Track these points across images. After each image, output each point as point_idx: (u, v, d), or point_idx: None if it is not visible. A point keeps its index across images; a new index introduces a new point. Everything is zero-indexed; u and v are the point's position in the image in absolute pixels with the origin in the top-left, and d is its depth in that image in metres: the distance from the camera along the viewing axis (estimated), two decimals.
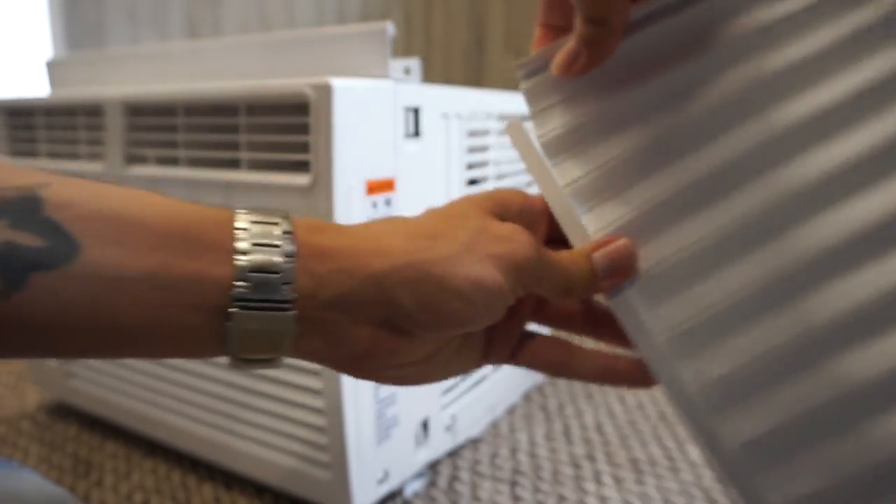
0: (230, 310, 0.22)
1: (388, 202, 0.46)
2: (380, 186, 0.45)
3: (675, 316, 0.26)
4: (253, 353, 0.23)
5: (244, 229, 0.22)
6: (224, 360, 0.24)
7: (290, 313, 0.22)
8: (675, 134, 0.28)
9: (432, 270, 0.24)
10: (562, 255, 0.27)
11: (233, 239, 0.22)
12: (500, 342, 0.29)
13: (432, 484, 0.56)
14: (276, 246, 0.22)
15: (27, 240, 0.19)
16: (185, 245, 0.21)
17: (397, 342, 0.25)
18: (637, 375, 0.28)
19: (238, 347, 0.22)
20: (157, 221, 0.21)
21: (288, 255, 0.22)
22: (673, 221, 0.27)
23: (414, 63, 0.48)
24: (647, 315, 0.27)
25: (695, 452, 0.61)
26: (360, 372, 0.26)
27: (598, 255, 0.27)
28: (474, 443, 0.63)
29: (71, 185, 0.21)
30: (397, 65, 0.46)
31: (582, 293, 0.28)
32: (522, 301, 0.29)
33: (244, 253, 0.22)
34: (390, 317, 0.24)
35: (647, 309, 0.27)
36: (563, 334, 0.32)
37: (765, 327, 0.25)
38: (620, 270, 0.27)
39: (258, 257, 0.22)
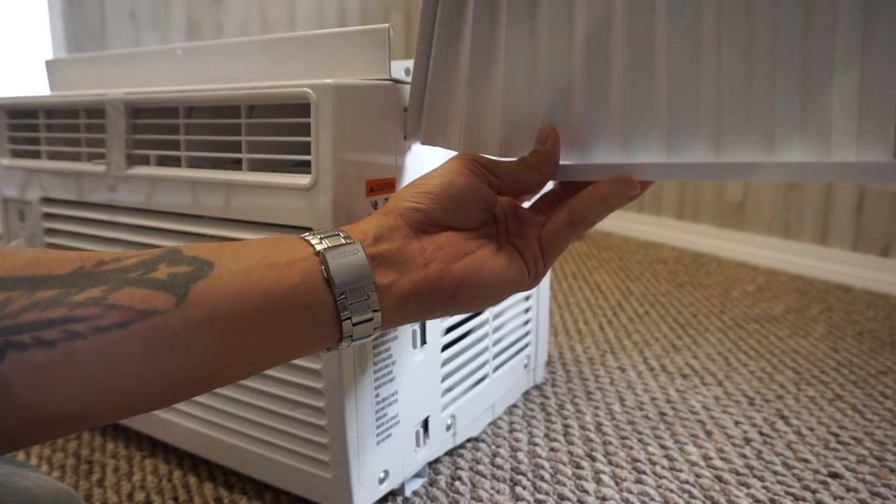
0: (318, 247, 0.33)
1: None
2: (380, 187, 0.45)
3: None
4: (348, 281, 0.32)
5: (308, 235, 0.34)
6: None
7: (357, 243, 0.34)
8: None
9: (419, 181, 0.38)
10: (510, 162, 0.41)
11: (304, 238, 0.34)
12: (523, 241, 0.40)
13: (432, 483, 0.56)
14: (336, 234, 0.34)
15: (181, 269, 0.29)
16: (276, 244, 0.33)
17: (437, 240, 0.36)
18: (620, 180, 0.38)
19: (337, 287, 0.32)
20: (252, 242, 0.33)
21: (341, 231, 0.35)
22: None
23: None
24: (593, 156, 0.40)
25: (695, 452, 0.61)
26: (440, 283, 0.35)
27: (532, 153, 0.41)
28: (474, 443, 0.63)
29: (192, 245, 0.32)
30: (397, 65, 0.46)
31: (537, 174, 0.40)
32: (513, 207, 0.42)
33: (316, 244, 0.33)
34: (417, 222, 0.36)
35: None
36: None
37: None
38: (551, 151, 0.40)
39: (325, 242, 0.34)
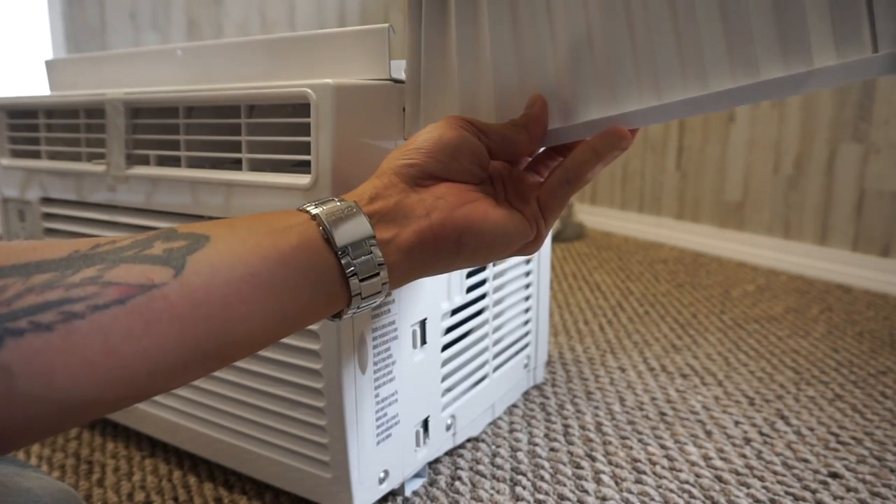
0: (313, 211, 0.33)
1: None
2: None
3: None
4: (348, 238, 0.32)
5: (303, 205, 0.34)
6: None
7: (353, 204, 0.34)
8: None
9: (408, 141, 0.38)
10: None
11: (299, 208, 0.34)
12: (521, 201, 0.40)
13: (432, 483, 0.56)
14: (331, 199, 0.34)
15: (177, 244, 0.29)
16: (271, 215, 0.33)
17: (435, 190, 0.36)
18: (611, 132, 0.38)
19: (338, 245, 0.32)
20: (247, 216, 0.33)
21: (335, 197, 0.35)
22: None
23: None
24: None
25: (695, 452, 0.61)
26: (444, 230, 0.35)
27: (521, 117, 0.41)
28: (474, 443, 0.63)
29: (187, 224, 0.31)
30: (397, 65, 0.46)
31: (525, 134, 0.40)
32: (508, 170, 0.41)
33: (310, 209, 0.33)
34: (412, 177, 0.36)
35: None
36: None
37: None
38: (539, 115, 0.40)
39: (320, 206, 0.33)
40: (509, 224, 0.38)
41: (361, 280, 0.33)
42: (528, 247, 0.40)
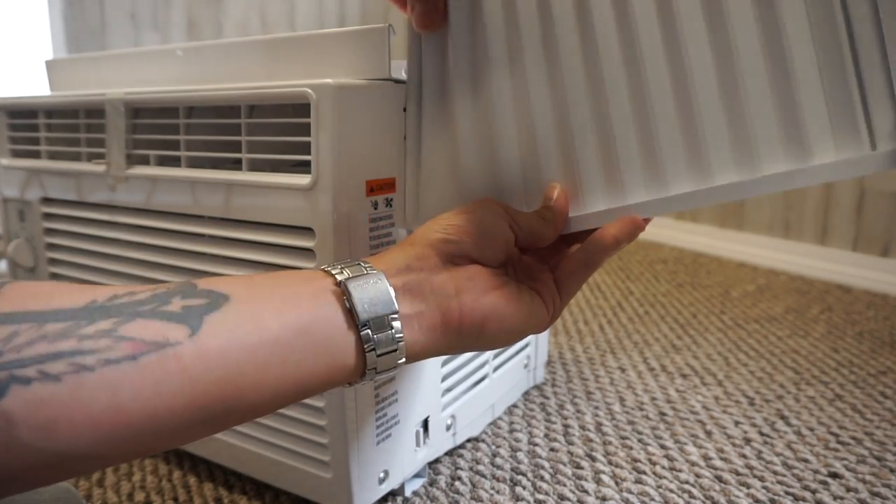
0: (339, 277, 0.32)
1: (388, 202, 0.46)
2: (380, 187, 0.45)
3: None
4: (371, 313, 0.31)
5: (328, 266, 0.34)
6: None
7: (380, 273, 0.33)
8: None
9: (446, 215, 0.38)
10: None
11: (324, 269, 0.33)
12: (539, 283, 0.40)
13: (432, 483, 0.56)
14: (358, 264, 0.34)
15: (195, 302, 0.28)
16: (295, 276, 0.33)
17: (466, 271, 0.36)
18: (630, 221, 0.39)
19: (360, 318, 0.31)
20: (270, 274, 0.32)
21: (362, 261, 0.34)
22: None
23: None
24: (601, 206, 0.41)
25: (695, 452, 0.61)
26: (472, 314, 0.35)
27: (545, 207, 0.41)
28: (474, 443, 0.63)
29: (208, 279, 0.31)
30: (397, 65, 0.46)
31: (552, 227, 0.41)
32: (518, 253, 0.41)
33: (336, 274, 0.33)
34: (448, 253, 0.36)
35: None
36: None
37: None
38: (561, 207, 0.41)
39: (346, 272, 0.33)
40: (531, 312, 0.38)
41: (379, 355, 0.32)
42: (544, 325, 0.40)
